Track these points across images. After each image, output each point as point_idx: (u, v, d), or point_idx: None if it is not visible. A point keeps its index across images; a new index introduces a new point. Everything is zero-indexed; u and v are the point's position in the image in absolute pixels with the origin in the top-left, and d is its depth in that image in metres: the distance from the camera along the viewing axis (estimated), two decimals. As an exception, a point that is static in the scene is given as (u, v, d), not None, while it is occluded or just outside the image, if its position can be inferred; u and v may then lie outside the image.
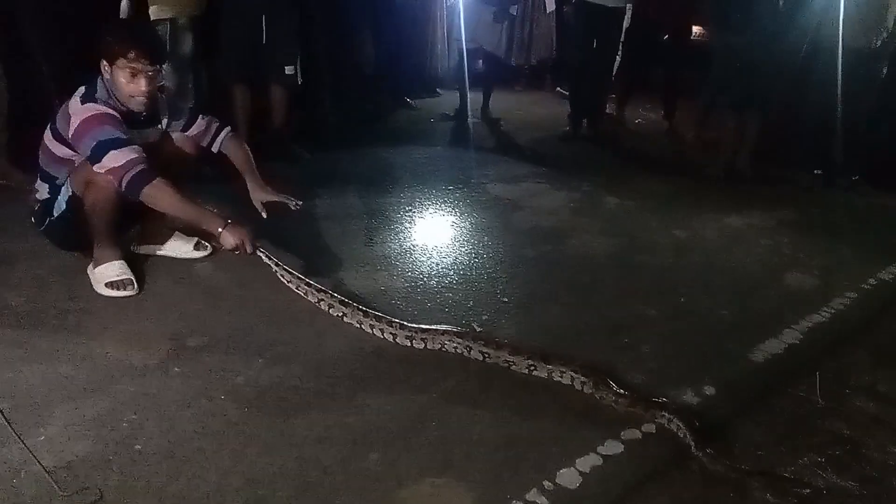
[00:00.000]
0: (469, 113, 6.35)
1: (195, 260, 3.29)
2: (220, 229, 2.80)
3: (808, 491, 2.09)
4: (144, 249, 3.27)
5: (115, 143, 2.72)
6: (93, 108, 2.76)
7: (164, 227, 3.27)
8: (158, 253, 3.27)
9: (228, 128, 3.24)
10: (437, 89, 7.24)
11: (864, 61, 4.97)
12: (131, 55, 2.75)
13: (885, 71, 5.13)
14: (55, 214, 2.98)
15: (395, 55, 6.66)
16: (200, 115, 3.18)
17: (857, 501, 2.08)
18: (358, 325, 2.79)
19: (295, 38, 4.83)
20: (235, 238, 2.80)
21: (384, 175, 4.85)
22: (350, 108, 5.91)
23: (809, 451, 2.27)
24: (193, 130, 3.14)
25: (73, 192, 2.90)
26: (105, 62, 2.80)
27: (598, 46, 6.06)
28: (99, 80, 2.83)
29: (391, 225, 3.97)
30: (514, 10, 6.35)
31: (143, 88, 2.80)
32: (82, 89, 2.83)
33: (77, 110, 2.77)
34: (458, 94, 6.39)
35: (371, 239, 3.75)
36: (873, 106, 5.22)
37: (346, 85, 5.88)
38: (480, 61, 6.54)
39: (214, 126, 3.19)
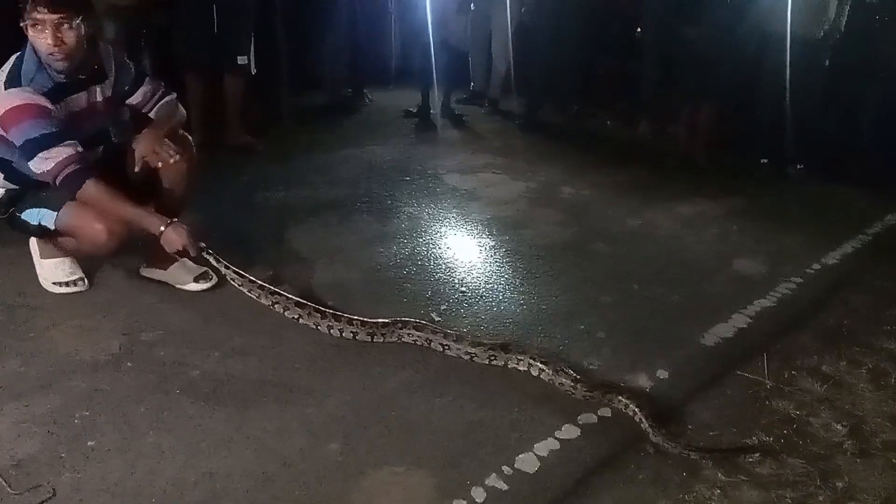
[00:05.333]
0: (430, 107, 6.34)
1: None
2: (161, 228, 2.59)
3: (756, 456, 2.19)
4: (148, 273, 3.02)
5: (43, 143, 2.49)
6: (15, 98, 2.49)
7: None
8: (158, 278, 3.01)
9: (174, 95, 2.97)
10: (390, 84, 7.13)
11: (809, 51, 5.11)
12: (30, 5, 2.44)
13: (828, 61, 5.29)
14: (22, 217, 2.75)
15: (350, 47, 6.60)
16: (148, 78, 2.90)
17: (804, 479, 2.15)
18: (315, 327, 2.71)
19: (248, 28, 4.77)
20: (178, 239, 2.61)
21: (340, 167, 4.81)
22: (306, 100, 5.85)
23: (759, 431, 2.34)
24: (138, 97, 2.86)
25: (55, 227, 2.70)
26: (22, 22, 2.47)
27: (566, 36, 6.12)
28: (28, 49, 2.54)
29: (348, 217, 3.95)
30: None
31: (50, 41, 2.46)
32: (9, 64, 2.56)
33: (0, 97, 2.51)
34: (421, 89, 6.35)
35: (327, 231, 3.72)
36: (819, 96, 5.37)
37: (302, 76, 5.82)
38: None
39: (160, 91, 2.89)
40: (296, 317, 2.75)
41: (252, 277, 2.83)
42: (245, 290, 2.82)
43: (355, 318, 2.71)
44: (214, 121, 4.79)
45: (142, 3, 4.42)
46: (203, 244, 2.72)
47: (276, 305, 2.78)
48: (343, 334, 2.68)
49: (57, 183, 2.55)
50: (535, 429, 2.27)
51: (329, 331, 2.69)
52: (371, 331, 2.67)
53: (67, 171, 2.53)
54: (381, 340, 2.67)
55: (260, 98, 5.36)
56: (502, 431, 2.25)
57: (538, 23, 6.30)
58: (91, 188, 2.55)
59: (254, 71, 4.84)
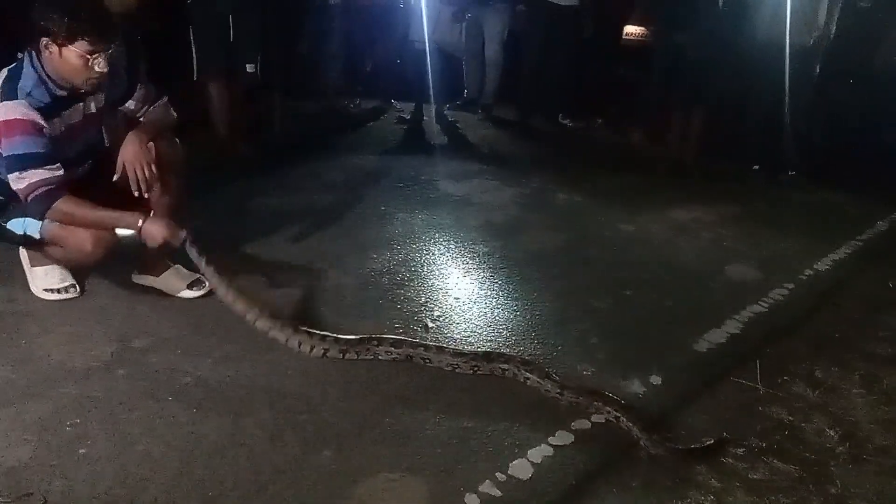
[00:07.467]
0: (423, 113, 6.37)
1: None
2: (139, 223, 2.58)
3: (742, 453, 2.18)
4: (140, 279, 3.00)
5: (24, 162, 2.49)
6: (9, 111, 2.49)
7: (162, 258, 2.95)
8: (150, 284, 2.98)
9: (166, 98, 2.95)
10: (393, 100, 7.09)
11: (800, 58, 5.15)
12: (91, 37, 2.48)
13: (818, 68, 5.33)
14: (7, 226, 2.73)
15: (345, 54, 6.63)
16: (140, 84, 2.88)
17: (797, 484, 2.15)
18: (284, 342, 2.61)
19: (258, 36, 4.84)
20: (159, 232, 2.59)
21: (334, 173, 4.81)
22: (301, 107, 5.88)
23: (752, 437, 2.35)
24: (131, 104, 2.86)
25: (41, 236, 2.69)
26: (50, 41, 2.48)
27: (551, 45, 6.16)
28: (26, 63, 2.55)
29: (342, 222, 3.94)
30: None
31: (105, 69, 2.55)
32: (2, 76, 2.55)
33: None
34: (415, 96, 6.39)
35: (321, 237, 3.72)
36: (810, 102, 5.41)
37: (297, 83, 5.86)
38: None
39: (153, 96, 2.89)
40: (266, 328, 2.63)
41: (229, 281, 2.73)
42: (220, 294, 2.72)
43: (328, 335, 2.61)
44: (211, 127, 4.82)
45: (137, 10, 4.42)
46: (184, 234, 2.67)
47: (248, 315, 2.66)
48: (313, 351, 2.58)
49: (27, 202, 2.55)
50: (528, 435, 2.26)
51: (299, 346, 2.59)
52: (343, 347, 2.58)
53: (38, 191, 2.52)
54: (355, 357, 2.58)
55: (256, 104, 5.39)
56: (496, 438, 2.24)
57: (531, 30, 6.35)
58: (61, 206, 2.54)
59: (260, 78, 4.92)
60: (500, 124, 6.60)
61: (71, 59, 2.51)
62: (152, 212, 2.65)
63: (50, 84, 2.57)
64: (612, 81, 6.99)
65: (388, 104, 6.82)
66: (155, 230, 2.61)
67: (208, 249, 2.75)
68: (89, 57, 2.50)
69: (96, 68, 2.53)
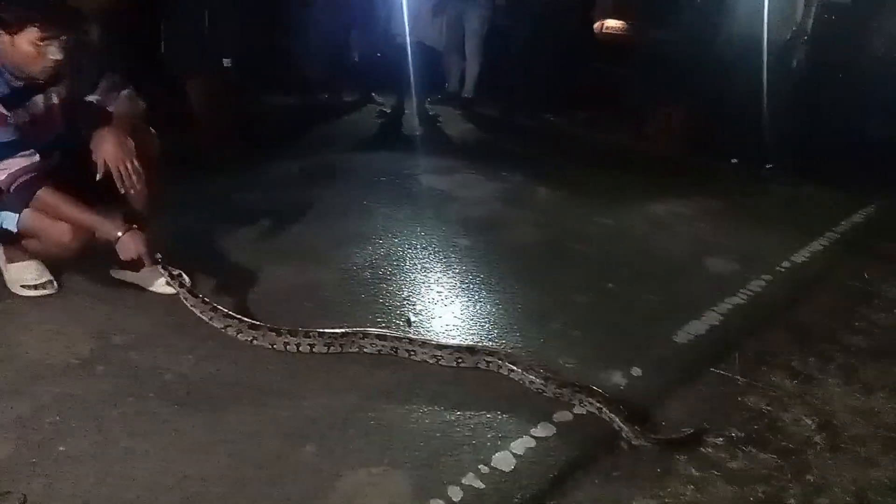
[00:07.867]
0: (404, 107, 6.36)
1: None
2: (118, 234, 2.57)
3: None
4: (120, 275, 2.93)
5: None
6: None
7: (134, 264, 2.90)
8: (129, 280, 2.93)
9: (131, 87, 2.88)
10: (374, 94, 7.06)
11: (778, 53, 5.20)
12: (44, 24, 2.45)
13: (795, 63, 5.39)
14: None
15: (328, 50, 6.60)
16: (106, 73, 2.81)
17: (776, 473, 2.18)
18: (270, 347, 2.58)
19: (234, 31, 4.81)
20: (134, 247, 2.59)
21: (315, 169, 4.79)
22: (281, 103, 5.85)
23: (731, 427, 2.38)
24: (97, 94, 2.79)
25: (18, 230, 2.65)
26: (2, 30, 2.46)
27: (535, 39, 6.19)
28: None
29: (323, 217, 3.92)
30: None
31: (59, 57, 2.51)
32: None
33: None
34: (395, 90, 6.39)
35: (302, 231, 3.70)
36: (787, 96, 5.48)
37: (279, 79, 5.86)
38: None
39: (119, 85, 2.82)
40: (249, 339, 2.61)
41: (205, 298, 2.72)
42: (197, 311, 2.69)
43: (311, 330, 2.61)
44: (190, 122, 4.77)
45: (109, 3, 4.38)
46: (160, 255, 2.67)
47: (228, 329, 2.64)
48: (300, 349, 2.58)
49: (10, 192, 2.52)
50: (510, 427, 2.28)
51: (286, 347, 2.58)
52: (328, 342, 2.58)
53: (21, 180, 2.50)
54: (339, 351, 2.58)
55: (235, 99, 5.34)
56: (478, 430, 2.25)
57: (511, 25, 6.37)
58: (44, 197, 2.52)
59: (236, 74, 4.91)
60: (481, 119, 6.60)
61: (23, 46, 2.48)
62: (134, 225, 2.63)
63: (6, 74, 2.54)
64: (594, 76, 7.00)
65: (368, 98, 6.80)
66: (132, 246, 2.59)
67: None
68: (40, 44, 2.47)
69: (49, 56, 2.50)
